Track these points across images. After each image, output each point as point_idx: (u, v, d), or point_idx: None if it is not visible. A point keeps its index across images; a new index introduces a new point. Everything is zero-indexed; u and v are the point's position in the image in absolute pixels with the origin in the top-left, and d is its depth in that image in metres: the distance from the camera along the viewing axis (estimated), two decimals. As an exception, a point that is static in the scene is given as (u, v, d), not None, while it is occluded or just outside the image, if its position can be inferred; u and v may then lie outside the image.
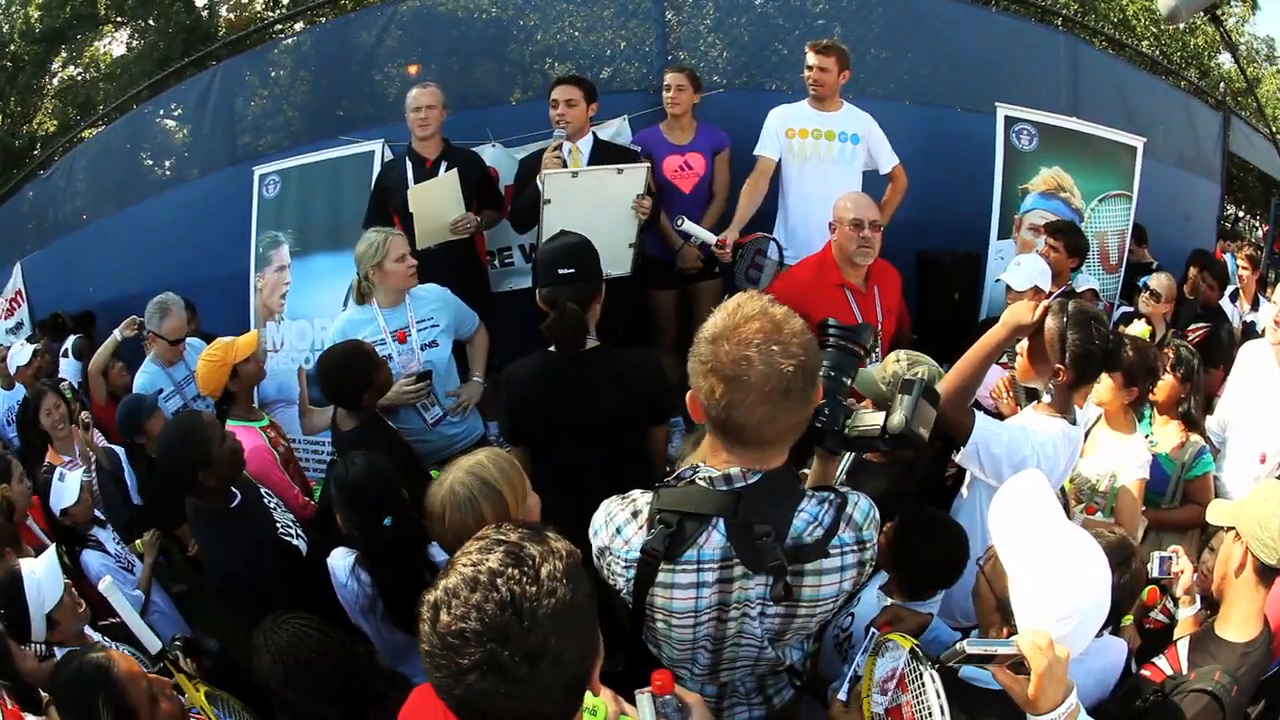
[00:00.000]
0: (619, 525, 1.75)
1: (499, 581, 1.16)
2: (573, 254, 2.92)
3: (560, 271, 2.87)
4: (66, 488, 3.90)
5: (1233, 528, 2.14)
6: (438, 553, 2.54)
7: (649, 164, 4.15)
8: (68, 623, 2.72)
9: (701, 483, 1.71)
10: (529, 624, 1.14)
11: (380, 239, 3.72)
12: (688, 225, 4.24)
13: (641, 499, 1.78)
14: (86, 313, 7.53)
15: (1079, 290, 4.79)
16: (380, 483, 2.63)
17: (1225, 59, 16.48)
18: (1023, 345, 2.68)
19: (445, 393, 3.85)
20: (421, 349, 3.77)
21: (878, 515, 1.79)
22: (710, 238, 4.22)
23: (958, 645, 1.65)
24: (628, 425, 2.91)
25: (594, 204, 4.08)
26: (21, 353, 5.99)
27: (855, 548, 1.73)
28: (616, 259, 4.09)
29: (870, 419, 1.89)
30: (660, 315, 4.92)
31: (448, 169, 4.50)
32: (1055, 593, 1.65)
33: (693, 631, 1.77)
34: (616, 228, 4.09)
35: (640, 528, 1.73)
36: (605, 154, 4.51)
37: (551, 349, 2.90)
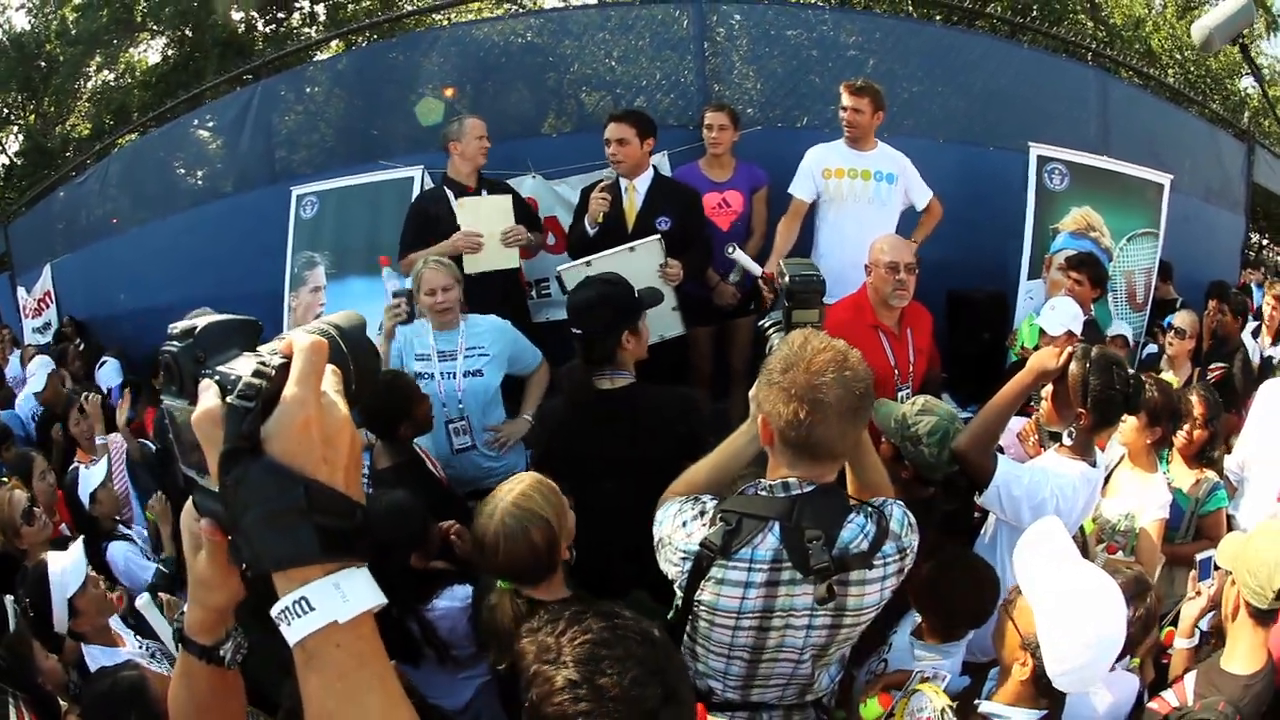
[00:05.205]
0: (684, 520, 1.92)
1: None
2: (583, 314, 2.90)
3: (573, 330, 2.89)
4: (94, 473, 4.11)
5: (1230, 571, 2.25)
6: (440, 603, 2.62)
7: (660, 235, 4.10)
8: (92, 612, 2.69)
9: (762, 492, 1.89)
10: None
11: (416, 269, 3.82)
12: (738, 254, 4.24)
13: (710, 502, 1.94)
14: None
15: (1109, 336, 4.84)
16: (385, 532, 2.58)
17: (1245, 81, 16.40)
18: (1047, 390, 2.77)
19: (484, 426, 3.81)
20: (465, 375, 3.74)
21: (911, 518, 1.93)
22: (756, 269, 4.20)
23: None
24: (658, 464, 2.84)
25: None
26: (35, 380, 5.89)
27: (896, 557, 1.87)
28: (666, 324, 4.10)
29: None
30: (695, 350, 4.87)
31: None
32: (1080, 624, 1.79)
33: (731, 635, 1.89)
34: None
35: (703, 525, 1.89)
36: (664, 190, 4.48)
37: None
